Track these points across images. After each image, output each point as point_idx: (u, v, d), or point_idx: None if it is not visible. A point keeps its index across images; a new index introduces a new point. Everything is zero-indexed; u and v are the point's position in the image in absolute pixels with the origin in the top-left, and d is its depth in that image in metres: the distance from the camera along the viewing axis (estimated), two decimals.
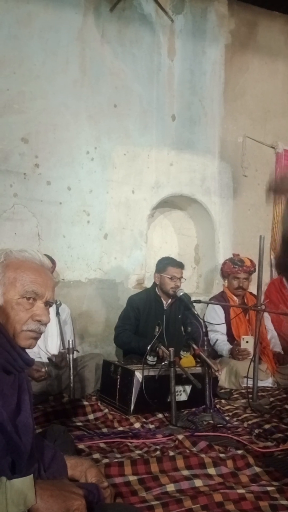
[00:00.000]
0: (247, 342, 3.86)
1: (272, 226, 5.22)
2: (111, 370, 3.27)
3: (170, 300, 3.95)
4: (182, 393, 3.19)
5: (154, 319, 3.84)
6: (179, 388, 3.12)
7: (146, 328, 3.84)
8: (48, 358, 3.40)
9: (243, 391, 3.61)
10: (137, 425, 2.88)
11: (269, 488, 1.97)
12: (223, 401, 3.45)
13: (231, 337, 4.16)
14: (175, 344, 3.42)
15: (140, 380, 3.02)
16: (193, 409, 3.14)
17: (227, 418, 3.05)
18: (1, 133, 4.05)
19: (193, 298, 3.87)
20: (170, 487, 1.95)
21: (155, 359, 3.18)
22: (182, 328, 4.01)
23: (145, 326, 3.87)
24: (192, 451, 2.36)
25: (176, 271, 3.90)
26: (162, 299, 3.96)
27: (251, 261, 4.32)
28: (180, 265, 3.96)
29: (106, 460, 2.20)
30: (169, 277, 3.87)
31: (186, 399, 3.20)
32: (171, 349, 2.97)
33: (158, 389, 3.03)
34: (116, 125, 4.51)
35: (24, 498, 1.23)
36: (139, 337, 3.81)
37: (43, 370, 3.27)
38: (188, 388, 3.19)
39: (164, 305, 3.95)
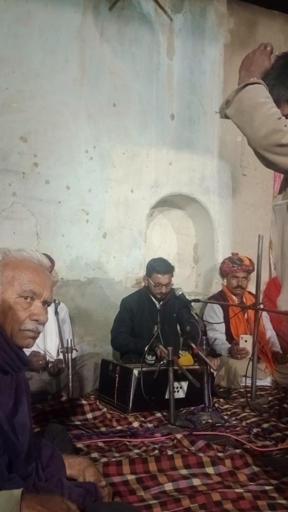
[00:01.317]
0: (245, 341, 3.86)
1: None
2: (110, 369, 3.27)
3: (162, 301, 3.93)
4: (179, 390, 3.19)
5: (148, 319, 3.85)
6: (175, 384, 3.12)
7: (141, 329, 3.84)
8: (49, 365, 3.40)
9: (241, 390, 3.61)
10: (135, 424, 2.88)
11: (267, 487, 1.97)
12: (221, 400, 3.45)
13: (230, 336, 4.16)
14: (171, 343, 3.42)
15: (138, 377, 3.02)
16: (192, 408, 3.14)
17: (226, 417, 3.05)
18: (0, 132, 4.05)
19: (192, 297, 3.86)
20: (168, 486, 1.95)
21: (154, 358, 3.19)
22: (179, 327, 4.01)
23: (139, 326, 3.87)
24: (190, 450, 2.36)
25: (162, 278, 3.83)
26: (154, 299, 3.95)
27: (250, 260, 4.32)
28: (167, 271, 3.86)
29: (104, 459, 2.20)
30: (154, 284, 3.85)
31: (184, 396, 3.20)
32: (170, 348, 2.97)
33: (155, 386, 3.03)
34: (116, 124, 4.50)
35: None
36: (135, 338, 3.80)
37: (42, 360, 3.29)
38: (184, 385, 3.19)
39: (157, 305, 3.94)
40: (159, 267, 3.86)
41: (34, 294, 1.50)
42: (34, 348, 3.28)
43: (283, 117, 1.62)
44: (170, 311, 3.96)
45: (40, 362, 3.28)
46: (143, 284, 4.53)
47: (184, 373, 2.96)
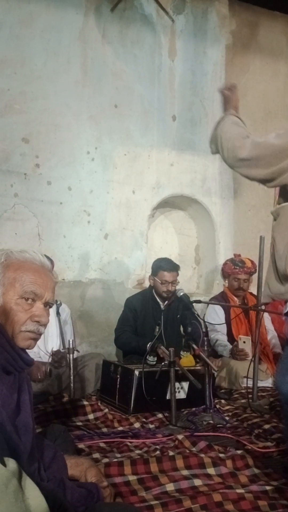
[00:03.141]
0: (244, 342, 3.86)
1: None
2: (111, 370, 3.28)
3: (167, 301, 3.94)
4: (180, 390, 3.19)
5: (152, 320, 3.85)
6: (176, 385, 3.12)
7: (144, 329, 3.85)
8: (51, 353, 3.39)
9: (243, 391, 3.61)
10: (137, 425, 2.89)
11: (268, 488, 1.98)
12: (223, 401, 3.45)
13: (231, 337, 4.15)
14: (174, 344, 3.43)
15: (140, 378, 3.02)
16: (193, 409, 3.15)
17: (227, 418, 3.05)
18: (2, 133, 4.06)
19: (193, 299, 3.87)
20: (170, 487, 1.96)
21: (155, 359, 3.19)
22: (182, 328, 4.01)
23: (142, 327, 3.88)
24: (191, 451, 2.37)
25: (168, 275, 3.84)
26: (159, 300, 3.96)
27: (252, 262, 4.31)
28: (173, 269, 3.88)
29: (106, 460, 2.21)
30: (160, 282, 3.86)
31: (185, 397, 3.20)
32: (171, 349, 2.98)
33: (157, 387, 3.04)
34: (117, 126, 4.51)
35: None
36: (138, 337, 3.82)
37: (43, 369, 3.28)
38: (185, 386, 3.20)
39: (162, 306, 3.95)
40: (166, 264, 3.90)
41: (35, 296, 1.51)
42: (35, 349, 3.28)
43: (248, 135, 1.95)
44: (173, 312, 3.97)
45: (42, 375, 3.25)
46: (144, 285, 4.54)
47: (186, 374, 2.96)
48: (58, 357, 3.35)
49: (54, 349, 3.51)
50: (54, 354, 3.37)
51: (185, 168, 4.82)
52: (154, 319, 3.86)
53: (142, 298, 3.99)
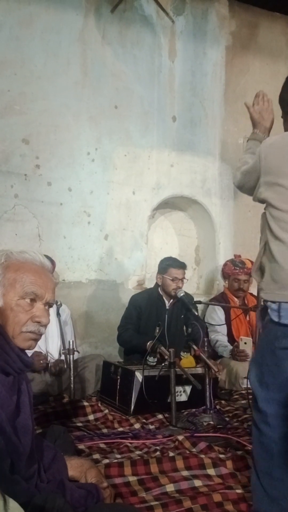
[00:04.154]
0: (245, 343, 3.86)
1: None
2: (111, 371, 3.28)
3: (172, 300, 3.96)
4: (182, 393, 3.20)
5: (155, 319, 3.86)
6: (179, 388, 3.13)
7: (147, 328, 3.85)
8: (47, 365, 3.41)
9: (243, 392, 3.61)
10: (137, 425, 2.89)
11: None
12: (223, 402, 3.45)
13: (231, 338, 4.15)
14: (176, 344, 3.43)
15: (140, 380, 3.03)
16: (193, 410, 3.15)
17: (227, 419, 3.05)
18: (2, 134, 4.06)
19: (193, 299, 3.89)
20: (170, 488, 1.96)
21: (155, 359, 3.19)
22: (184, 329, 4.02)
23: (146, 325, 3.89)
24: (191, 452, 2.37)
25: (178, 272, 3.89)
26: (165, 299, 3.97)
27: (252, 262, 4.31)
28: (182, 266, 3.95)
29: (106, 461, 2.21)
30: (170, 278, 3.87)
31: (186, 399, 3.21)
32: (171, 350, 2.98)
33: (158, 390, 3.04)
34: (117, 126, 4.51)
35: None
36: (140, 335, 3.83)
37: (42, 357, 3.31)
38: (188, 389, 3.20)
39: (167, 305, 3.96)
40: (175, 262, 3.96)
41: (36, 296, 1.51)
42: (36, 349, 3.29)
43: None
44: (177, 312, 3.98)
45: (41, 362, 3.29)
46: (144, 285, 4.55)
47: (186, 374, 2.96)
48: (57, 368, 3.36)
49: (54, 351, 3.52)
50: (53, 365, 3.38)
51: (185, 169, 4.82)
52: (158, 318, 3.87)
53: (148, 296, 4.01)
